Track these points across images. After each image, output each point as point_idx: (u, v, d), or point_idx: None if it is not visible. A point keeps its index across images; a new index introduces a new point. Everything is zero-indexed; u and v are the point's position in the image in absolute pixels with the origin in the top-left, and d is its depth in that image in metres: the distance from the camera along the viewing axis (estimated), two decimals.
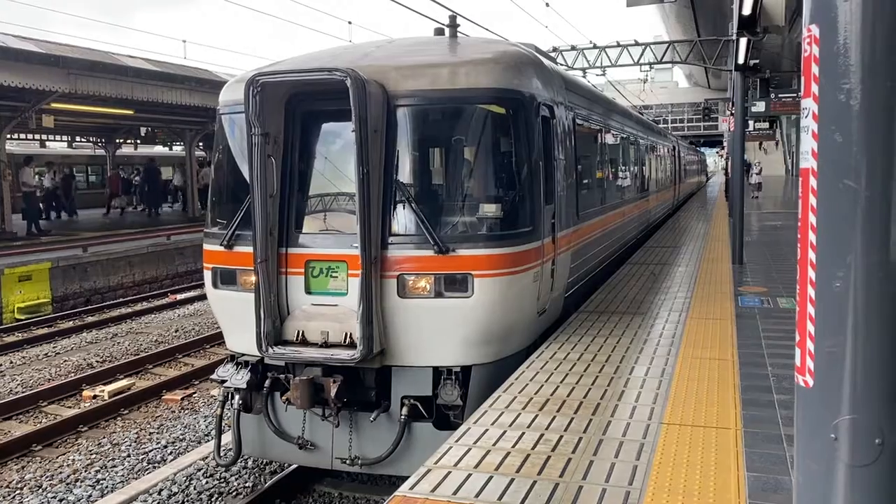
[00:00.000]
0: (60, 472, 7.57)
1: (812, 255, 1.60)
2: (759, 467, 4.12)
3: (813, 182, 1.59)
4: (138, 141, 36.24)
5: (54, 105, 19.23)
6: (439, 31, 7.73)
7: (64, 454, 8.10)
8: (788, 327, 7.43)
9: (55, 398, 9.86)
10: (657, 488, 3.87)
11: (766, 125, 35.97)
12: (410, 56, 6.47)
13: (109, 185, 31.27)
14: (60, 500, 6.90)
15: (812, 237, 1.60)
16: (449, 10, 8.97)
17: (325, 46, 8.52)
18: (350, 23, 23.50)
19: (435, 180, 6.50)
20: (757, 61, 14.64)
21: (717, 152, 71.25)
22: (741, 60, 12.40)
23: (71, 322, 14.81)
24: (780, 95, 26.53)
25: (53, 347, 12.73)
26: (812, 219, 1.60)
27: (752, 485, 3.90)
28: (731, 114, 16.82)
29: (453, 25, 7.48)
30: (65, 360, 11.78)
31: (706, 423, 4.81)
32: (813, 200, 1.59)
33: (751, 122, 30.46)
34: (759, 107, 25.67)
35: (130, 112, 22.59)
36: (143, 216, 28.49)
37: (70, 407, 9.68)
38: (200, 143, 30.21)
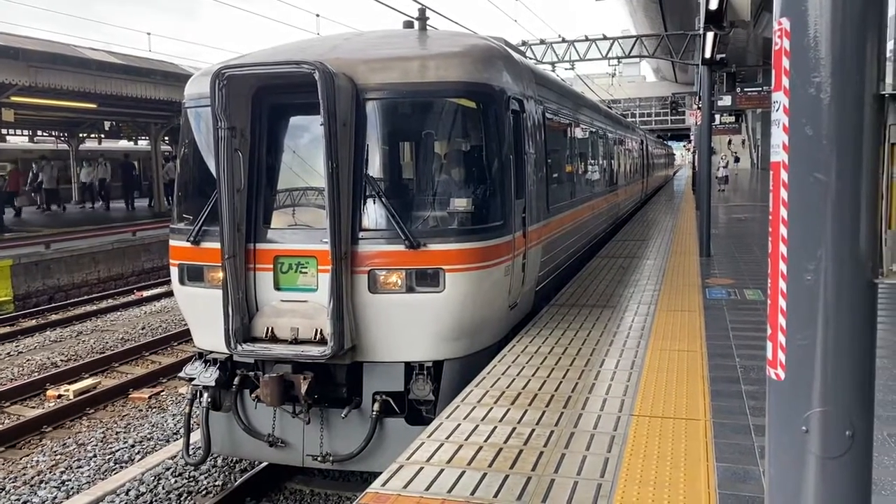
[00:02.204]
0: (24, 474, 7.41)
1: (783, 249, 1.60)
2: (728, 457, 4.17)
3: (784, 175, 1.59)
4: (102, 135, 35.59)
5: (14, 98, 18.78)
6: (408, 24, 7.68)
7: (28, 455, 7.93)
8: (755, 318, 7.55)
9: (18, 398, 9.64)
10: (628, 480, 3.90)
11: (732, 119, 36.52)
12: (379, 49, 6.42)
13: (9, 183, 26.44)
14: (24, 503, 6.75)
15: (783, 230, 1.60)
16: (418, 2, 8.92)
17: (293, 39, 8.43)
18: (318, 16, 23.29)
19: (405, 174, 6.47)
20: (723, 56, 14.83)
21: (685, 146, 72.12)
22: (708, 55, 12.54)
23: (34, 320, 14.49)
24: (745, 89, 26.94)
25: (16, 346, 12.45)
26: (783, 212, 1.60)
27: (722, 475, 3.94)
28: (698, 108, 17.00)
29: (422, 18, 7.44)
30: (28, 360, 11.52)
31: (676, 414, 4.86)
32: (784, 194, 1.59)
33: (717, 116, 30.87)
34: (726, 101, 26.07)
35: (93, 106, 22.16)
36: (47, 217, 26.24)
37: (34, 407, 9.48)
38: (166, 138, 29.77)
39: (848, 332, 1.55)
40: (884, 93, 1.55)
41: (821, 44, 1.52)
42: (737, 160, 56.30)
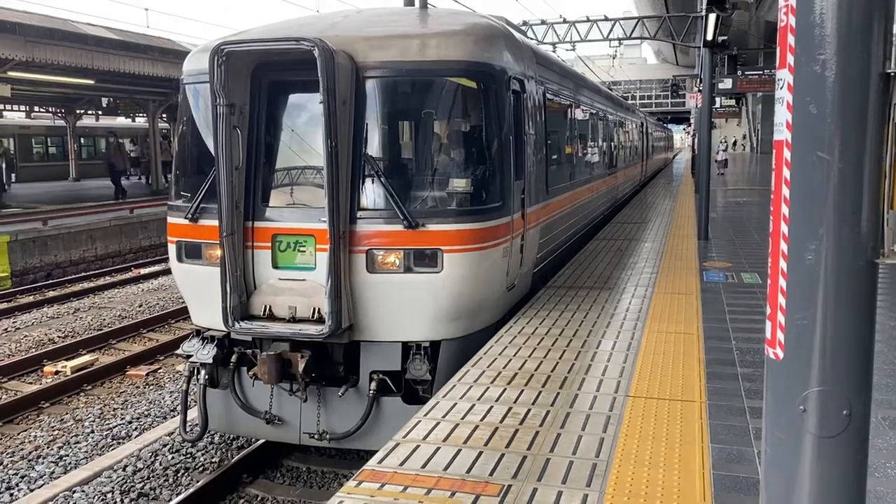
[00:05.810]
0: (22, 449, 7.44)
1: (784, 228, 1.59)
2: (722, 439, 4.19)
3: (787, 154, 1.58)
4: (100, 112, 35.38)
5: (11, 73, 18.64)
6: (409, 2, 7.62)
7: (25, 430, 7.96)
8: (752, 301, 7.56)
9: (15, 374, 9.66)
10: (623, 460, 3.92)
11: (732, 102, 36.38)
12: (379, 26, 6.36)
13: None
14: (22, 477, 6.78)
15: (785, 210, 1.59)
16: None
17: (293, 16, 8.35)
18: None
19: (404, 154, 6.43)
20: (725, 38, 14.75)
21: (685, 129, 71.86)
22: (710, 37, 12.45)
23: (31, 297, 14.49)
24: (746, 73, 26.78)
25: (13, 322, 12.46)
26: (785, 191, 1.59)
27: (717, 456, 3.97)
28: (699, 90, 16.92)
29: None
30: (25, 336, 11.53)
31: (671, 395, 4.88)
32: (786, 173, 1.58)
33: (717, 99, 30.75)
34: (727, 84, 25.89)
35: (91, 82, 22.00)
36: None
37: (31, 383, 9.50)
38: (164, 115, 29.64)
39: (847, 311, 1.54)
40: (889, 71, 1.53)
41: (827, 21, 1.50)
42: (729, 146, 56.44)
